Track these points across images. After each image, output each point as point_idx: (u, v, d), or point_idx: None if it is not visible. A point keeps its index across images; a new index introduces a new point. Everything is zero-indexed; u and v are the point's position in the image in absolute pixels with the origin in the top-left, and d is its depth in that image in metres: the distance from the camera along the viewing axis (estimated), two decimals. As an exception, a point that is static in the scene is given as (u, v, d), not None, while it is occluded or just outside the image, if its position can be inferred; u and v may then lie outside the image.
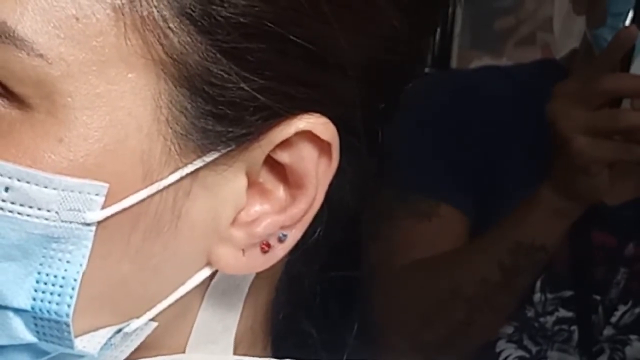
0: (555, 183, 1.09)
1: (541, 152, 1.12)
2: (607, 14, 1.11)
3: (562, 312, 1.21)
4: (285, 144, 0.44)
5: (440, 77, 1.53)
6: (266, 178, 0.44)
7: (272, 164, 0.44)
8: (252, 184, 0.44)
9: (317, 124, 0.43)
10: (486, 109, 1.23)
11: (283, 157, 0.44)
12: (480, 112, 1.23)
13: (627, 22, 1.07)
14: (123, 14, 0.40)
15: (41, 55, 0.39)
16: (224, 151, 0.42)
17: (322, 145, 0.44)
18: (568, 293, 1.21)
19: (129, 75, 0.40)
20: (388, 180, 1.30)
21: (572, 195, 1.09)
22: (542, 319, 1.21)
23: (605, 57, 1.06)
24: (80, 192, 0.40)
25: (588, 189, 1.07)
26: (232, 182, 0.43)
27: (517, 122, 1.22)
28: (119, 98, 0.40)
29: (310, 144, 0.44)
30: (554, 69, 1.27)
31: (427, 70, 2.05)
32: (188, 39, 0.41)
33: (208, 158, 0.42)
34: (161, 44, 0.40)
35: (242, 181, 0.44)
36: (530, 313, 1.21)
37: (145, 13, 0.40)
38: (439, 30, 2.17)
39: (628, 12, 1.07)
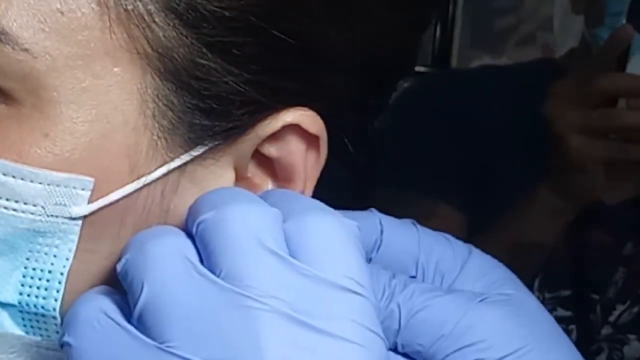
0: (551, 182, 1.09)
1: (540, 152, 1.12)
2: (605, 13, 1.11)
3: (561, 312, 1.21)
4: (273, 137, 0.44)
5: (440, 77, 1.53)
6: (254, 172, 0.44)
7: (260, 158, 0.44)
8: (241, 178, 0.44)
9: (304, 117, 0.43)
10: (485, 108, 1.23)
11: (271, 150, 0.44)
12: (479, 111, 1.23)
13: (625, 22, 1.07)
14: (108, 8, 0.40)
15: (26, 50, 0.39)
16: (211, 145, 0.42)
17: (310, 139, 0.44)
18: (566, 292, 1.21)
19: (115, 69, 0.40)
20: (386, 179, 1.30)
21: (568, 194, 1.09)
22: (540, 318, 1.21)
23: (602, 56, 1.06)
24: (65, 187, 0.40)
25: (584, 188, 1.07)
26: (220, 177, 0.43)
27: (516, 121, 1.22)
28: (104, 92, 0.40)
29: (298, 138, 0.44)
30: (553, 68, 1.27)
31: (427, 69, 2.05)
32: (173, 33, 0.41)
33: (195, 152, 0.42)
34: (146, 38, 0.40)
35: (230, 175, 0.44)
36: (529, 312, 1.21)
37: (130, 7, 0.40)
38: (438, 30, 2.17)
39: (626, 11, 1.07)
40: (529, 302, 0.44)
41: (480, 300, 0.42)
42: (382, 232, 0.45)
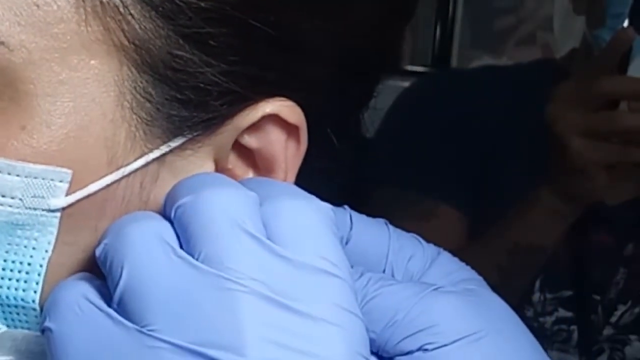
0: (553, 184, 1.09)
1: (541, 152, 1.12)
2: (607, 14, 1.11)
3: (562, 312, 1.22)
4: (252, 128, 0.44)
5: (440, 77, 1.53)
6: (235, 163, 0.45)
7: (241, 149, 0.44)
8: (222, 169, 0.44)
9: (283, 107, 0.43)
10: (485, 109, 1.24)
11: (251, 141, 0.44)
12: (479, 111, 1.23)
13: (626, 23, 1.07)
14: (83, 1, 0.40)
15: (2, 43, 0.39)
16: (190, 136, 0.42)
17: (290, 129, 0.44)
18: (567, 293, 1.22)
19: (92, 61, 0.40)
20: (386, 179, 1.30)
21: (569, 196, 1.09)
22: (541, 319, 1.21)
23: (603, 59, 1.06)
24: (43, 179, 0.40)
25: (586, 191, 1.07)
26: (199, 168, 0.43)
27: (516, 122, 1.22)
28: (82, 85, 0.40)
29: (277, 128, 0.44)
30: (553, 69, 1.27)
31: (427, 69, 2.05)
32: (150, 24, 0.41)
33: (174, 143, 0.42)
34: (122, 30, 0.40)
35: (210, 166, 0.44)
36: (530, 313, 1.21)
37: None
38: (438, 30, 2.16)
39: (627, 13, 1.07)
40: (491, 297, 0.45)
41: (435, 289, 0.43)
42: (351, 228, 0.45)
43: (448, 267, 0.45)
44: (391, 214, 1.28)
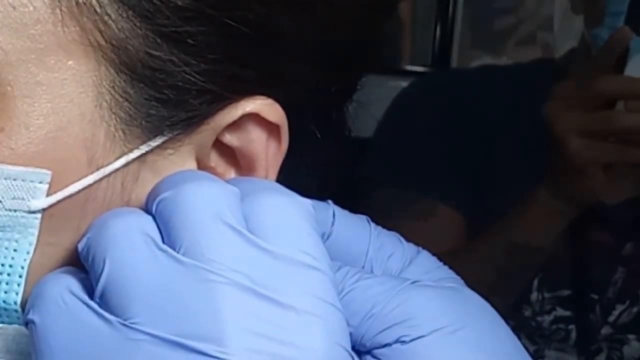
0: (551, 184, 1.10)
1: (540, 152, 1.12)
2: (605, 13, 1.11)
3: (560, 311, 1.22)
4: (233, 127, 0.44)
5: (440, 77, 1.53)
6: (217, 162, 0.45)
7: (222, 148, 0.44)
8: (203, 168, 0.44)
9: (264, 106, 0.43)
10: (485, 109, 1.24)
11: (232, 140, 0.44)
12: (479, 111, 1.23)
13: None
14: (59, 1, 0.40)
15: None
16: (170, 135, 0.42)
17: (271, 128, 0.44)
18: (565, 292, 1.22)
19: (69, 62, 0.40)
20: (386, 178, 1.30)
21: (568, 196, 1.09)
22: (539, 318, 1.22)
23: (600, 59, 1.06)
24: (23, 180, 0.40)
25: (584, 191, 1.08)
26: (181, 167, 0.43)
27: (516, 122, 1.22)
28: (59, 86, 0.40)
29: (258, 126, 0.44)
30: (552, 69, 1.27)
31: (427, 69, 2.06)
32: (127, 24, 0.41)
33: (154, 143, 0.42)
34: (99, 30, 0.40)
35: (192, 165, 0.44)
36: (528, 312, 1.21)
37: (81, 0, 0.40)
38: (438, 30, 2.16)
39: (625, 12, 1.08)
40: (469, 293, 0.44)
41: (412, 283, 0.43)
42: (333, 224, 0.46)
43: (427, 265, 0.46)
44: (391, 214, 1.28)
